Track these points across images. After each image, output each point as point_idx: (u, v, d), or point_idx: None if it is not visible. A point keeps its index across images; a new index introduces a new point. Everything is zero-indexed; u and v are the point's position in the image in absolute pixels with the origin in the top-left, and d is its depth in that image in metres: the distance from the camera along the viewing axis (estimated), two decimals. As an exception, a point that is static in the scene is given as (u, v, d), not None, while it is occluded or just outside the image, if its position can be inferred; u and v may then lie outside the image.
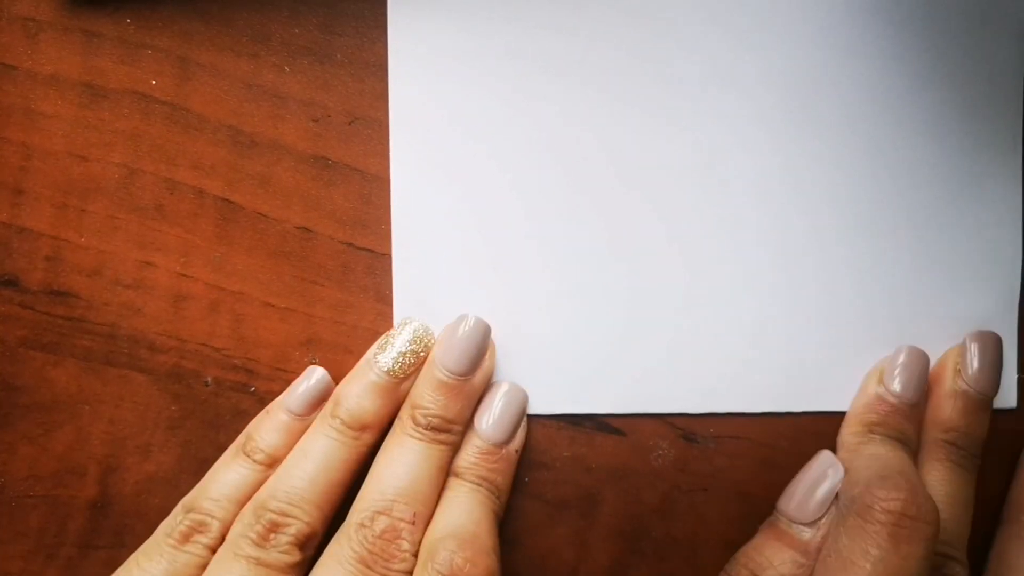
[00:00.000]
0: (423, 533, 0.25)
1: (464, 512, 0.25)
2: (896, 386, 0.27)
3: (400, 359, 0.26)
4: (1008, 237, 0.28)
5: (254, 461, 0.26)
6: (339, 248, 0.28)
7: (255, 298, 0.28)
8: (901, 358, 0.27)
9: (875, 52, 0.28)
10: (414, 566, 0.24)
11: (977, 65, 0.28)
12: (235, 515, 0.26)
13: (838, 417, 0.28)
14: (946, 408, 0.27)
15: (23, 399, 0.28)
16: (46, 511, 0.28)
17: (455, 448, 0.27)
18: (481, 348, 0.27)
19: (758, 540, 0.27)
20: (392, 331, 0.27)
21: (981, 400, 0.27)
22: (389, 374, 0.26)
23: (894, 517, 0.24)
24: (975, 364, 0.27)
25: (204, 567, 0.25)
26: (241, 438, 0.27)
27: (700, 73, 0.28)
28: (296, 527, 0.25)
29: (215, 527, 0.25)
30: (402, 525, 0.25)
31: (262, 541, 0.24)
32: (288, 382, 0.28)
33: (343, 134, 0.28)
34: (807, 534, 0.26)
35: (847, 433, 0.28)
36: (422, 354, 0.27)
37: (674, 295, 0.28)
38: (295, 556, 0.25)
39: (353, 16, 0.28)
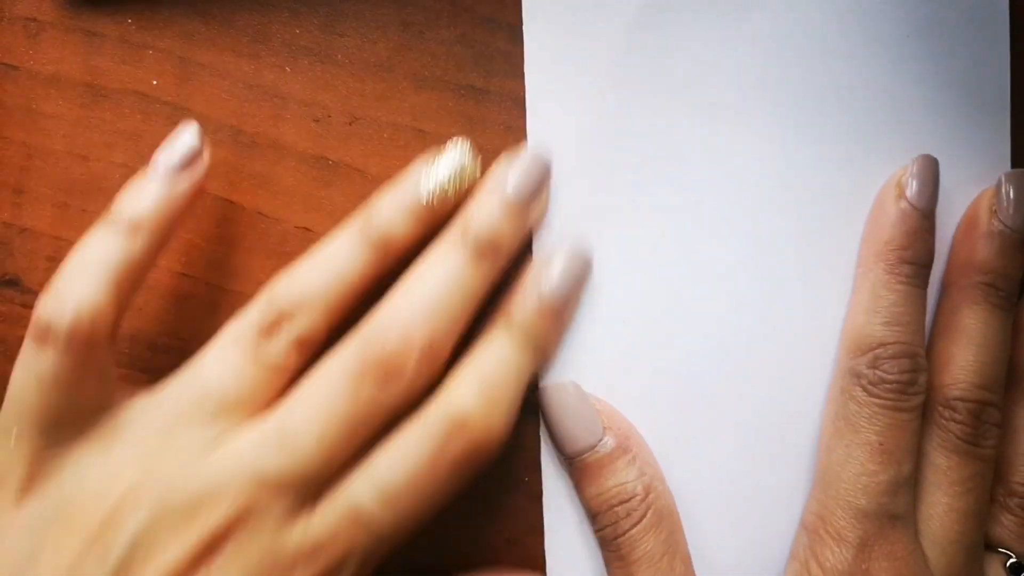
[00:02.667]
0: (435, 359, 0.24)
1: (498, 360, 0.25)
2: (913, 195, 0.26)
3: (445, 184, 0.25)
4: None
5: (118, 230, 0.24)
6: (340, 248, 0.28)
7: (256, 298, 0.28)
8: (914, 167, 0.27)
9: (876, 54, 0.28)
10: (417, 389, 0.24)
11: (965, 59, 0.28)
12: (107, 295, 0.23)
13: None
14: (982, 249, 0.26)
15: (25, 399, 0.28)
16: (47, 510, 0.28)
17: (490, 281, 0.25)
18: (544, 178, 0.26)
19: (587, 490, 0.26)
20: (443, 152, 0.26)
21: (1018, 239, 0.26)
22: (429, 199, 0.25)
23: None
24: (1011, 202, 0.26)
25: (69, 362, 0.23)
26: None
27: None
28: (299, 329, 0.24)
29: (70, 313, 0.23)
30: (413, 350, 0.23)
31: (265, 334, 0.24)
32: (289, 382, 0.28)
33: (344, 134, 0.28)
34: (608, 445, 0.26)
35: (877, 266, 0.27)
36: (467, 182, 0.26)
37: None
38: (291, 357, 0.24)
39: (354, 16, 0.28)
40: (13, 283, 0.28)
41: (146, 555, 0.22)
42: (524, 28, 0.28)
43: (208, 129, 0.28)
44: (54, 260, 0.28)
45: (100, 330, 0.23)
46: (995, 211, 0.27)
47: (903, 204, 0.26)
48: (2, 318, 0.28)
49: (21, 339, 0.28)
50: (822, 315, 0.28)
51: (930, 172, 0.26)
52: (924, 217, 0.26)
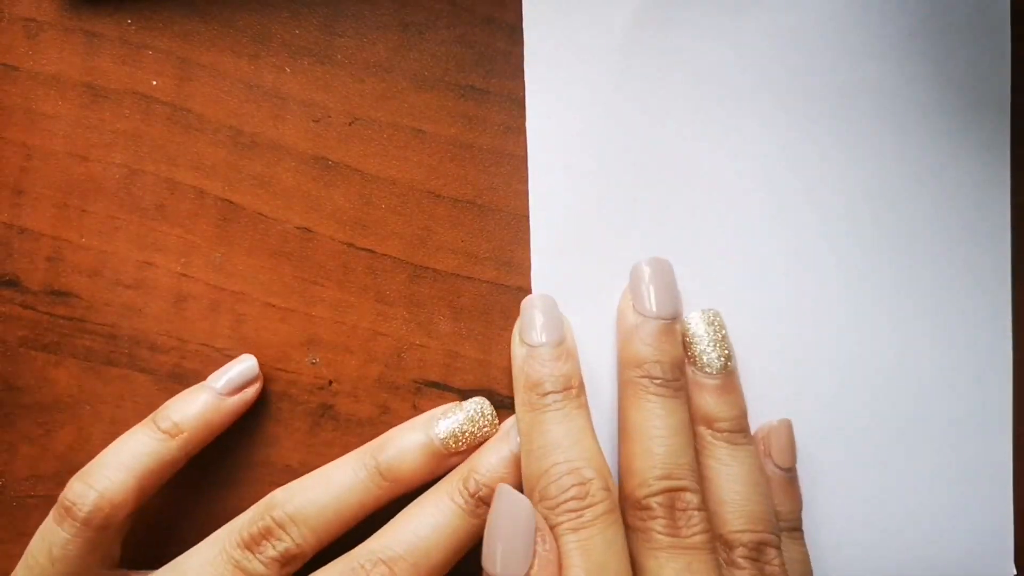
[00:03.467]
0: None
1: None
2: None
3: (461, 432, 0.26)
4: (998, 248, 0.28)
5: (159, 429, 0.26)
6: (339, 248, 0.28)
7: (255, 298, 0.28)
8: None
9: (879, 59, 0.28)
10: None
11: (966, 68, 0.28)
12: (130, 488, 0.25)
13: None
14: (629, 345, 0.26)
15: (24, 399, 0.28)
16: (47, 511, 0.28)
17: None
18: None
19: None
20: (459, 403, 0.27)
21: (659, 325, 0.26)
22: (443, 444, 0.26)
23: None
24: (645, 290, 0.26)
25: (81, 541, 0.24)
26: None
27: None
28: (286, 544, 0.25)
29: (92, 498, 0.24)
30: None
31: (252, 544, 0.25)
32: (289, 382, 0.28)
33: (343, 134, 0.28)
34: None
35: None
36: (479, 435, 0.26)
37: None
38: (272, 571, 0.24)
39: (353, 17, 0.28)
40: (12, 283, 0.28)
41: None
42: (524, 28, 0.28)
43: (208, 129, 0.28)
44: (53, 260, 0.28)
45: (115, 518, 0.25)
46: (633, 305, 0.27)
47: (521, 347, 0.27)
48: (1, 318, 0.28)
49: (20, 339, 0.28)
50: (820, 309, 0.28)
51: (547, 312, 0.27)
52: (550, 347, 0.26)
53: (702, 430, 0.26)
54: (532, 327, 0.26)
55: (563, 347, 0.26)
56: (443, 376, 0.28)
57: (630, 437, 0.26)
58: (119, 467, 0.25)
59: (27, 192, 0.28)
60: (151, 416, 0.26)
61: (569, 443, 0.25)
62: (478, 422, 0.26)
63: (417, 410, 0.28)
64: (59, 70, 0.28)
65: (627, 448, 0.26)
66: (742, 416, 0.27)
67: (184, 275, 0.28)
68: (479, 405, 0.27)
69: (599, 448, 0.25)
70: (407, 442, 0.26)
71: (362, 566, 0.24)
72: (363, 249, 0.28)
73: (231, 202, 0.28)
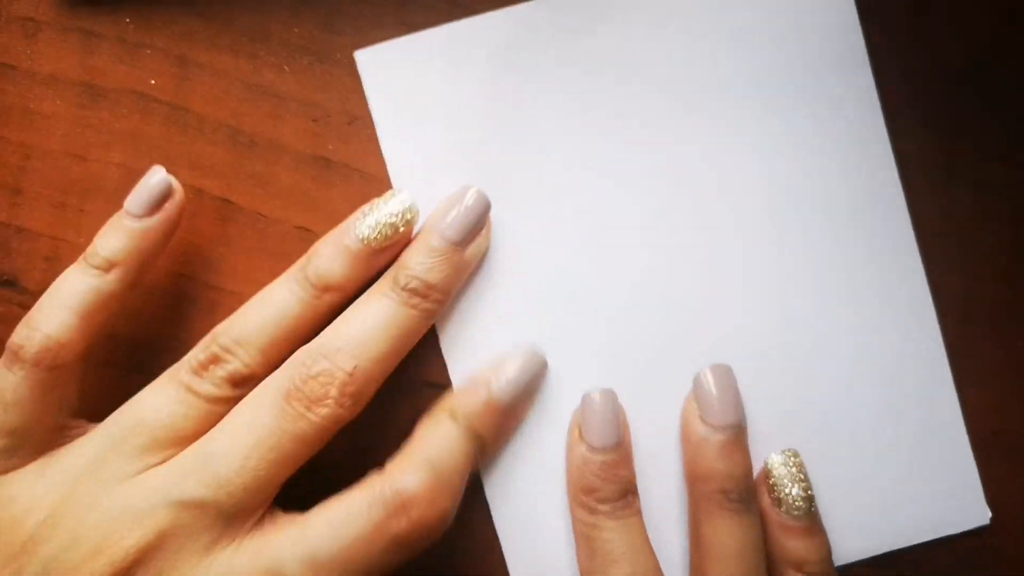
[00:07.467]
0: (362, 389, 0.24)
1: (446, 447, 0.25)
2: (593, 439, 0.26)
3: (378, 228, 0.25)
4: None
5: (91, 266, 0.25)
6: (338, 248, 0.28)
7: (254, 299, 0.28)
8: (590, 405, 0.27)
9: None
10: (341, 418, 0.24)
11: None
12: (75, 326, 0.24)
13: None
14: (701, 459, 0.26)
15: (22, 400, 0.28)
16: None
17: (428, 320, 0.26)
18: (480, 220, 0.26)
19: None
20: (379, 199, 0.26)
21: (730, 436, 0.26)
22: (363, 242, 0.25)
23: None
24: (714, 400, 0.26)
25: (33, 383, 0.24)
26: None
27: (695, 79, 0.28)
28: (234, 366, 0.24)
29: (38, 338, 0.24)
30: (339, 373, 0.24)
31: (200, 370, 0.24)
32: (287, 383, 0.28)
33: (343, 134, 0.28)
34: None
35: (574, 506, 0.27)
36: (402, 228, 0.26)
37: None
38: (225, 391, 0.24)
39: (353, 16, 0.28)
40: (10, 283, 0.28)
41: None
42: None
43: (206, 129, 0.28)
44: (51, 260, 0.28)
45: (65, 356, 0.24)
46: (701, 416, 0.26)
47: (582, 448, 0.26)
48: (0, 319, 0.28)
49: (18, 340, 0.28)
50: (755, 303, 0.28)
51: (605, 409, 0.27)
52: (609, 452, 0.26)
53: (790, 572, 0.26)
54: (593, 427, 0.26)
55: (621, 450, 0.26)
56: (442, 377, 0.28)
57: (707, 554, 0.26)
58: (60, 307, 0.24)
59: (25, 192, 0.28)
60: (81, 256, 0.25)
61: (630, 558, 0.25)
62: (396, 219, 0.26)
63: (417, 412, 0.28)
64: (57, 69, 0.28)
65: (703, 566, 0.26)
66: (829, 557, 0.27)
67: (182, 275, 0.28)
68: (397, 201, 0.26)
69: (657, 563, 0.26)
70: (330, 249, 0.25)
71: (303, 363, 0.24)
72: (362, 249, 0.28)
73: (230, 202, 0.28)
